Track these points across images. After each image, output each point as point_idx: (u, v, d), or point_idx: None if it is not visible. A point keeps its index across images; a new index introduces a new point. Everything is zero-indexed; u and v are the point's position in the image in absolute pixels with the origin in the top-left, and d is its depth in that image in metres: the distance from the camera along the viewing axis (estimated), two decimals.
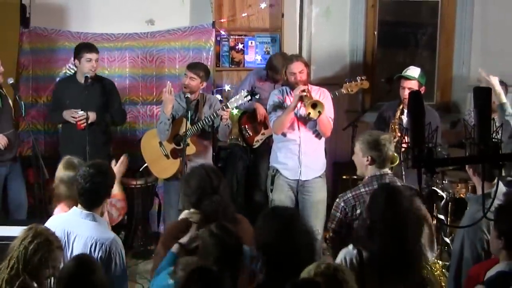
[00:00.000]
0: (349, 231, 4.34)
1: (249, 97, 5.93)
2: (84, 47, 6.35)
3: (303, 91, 5.59)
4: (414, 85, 5.97)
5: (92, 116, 6.21)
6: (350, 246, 3.78)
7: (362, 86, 6.43)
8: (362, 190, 4.46)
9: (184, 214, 4.30)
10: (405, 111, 6.00)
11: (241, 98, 5.90)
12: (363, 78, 6.40)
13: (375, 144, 4.46)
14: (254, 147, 6.78)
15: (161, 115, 6.14)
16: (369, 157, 4.48)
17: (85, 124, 6.10)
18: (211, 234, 3.62)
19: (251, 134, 6.82)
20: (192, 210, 4.24)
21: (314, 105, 5.55)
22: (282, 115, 5.76)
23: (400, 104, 6.03)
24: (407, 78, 6.01)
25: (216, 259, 3.51)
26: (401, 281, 3.65)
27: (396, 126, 5.93)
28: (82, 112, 6.14)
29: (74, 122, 6.18)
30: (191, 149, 5.99)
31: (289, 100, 5.82)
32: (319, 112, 5.52)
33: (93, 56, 6.28)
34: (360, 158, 4.54)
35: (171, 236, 4.18)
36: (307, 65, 5.94)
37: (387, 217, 3.65)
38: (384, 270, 3.63)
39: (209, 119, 5.98)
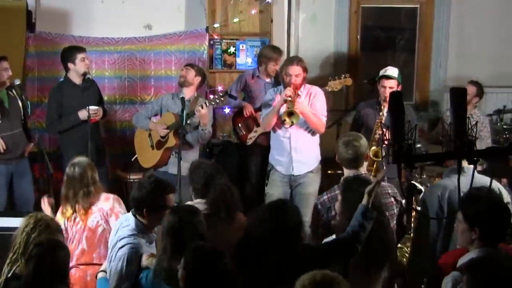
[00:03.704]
0: (326, 231, 4.15)
1: (225, 96, 5.94)
2: (74, 49, 6.25)
3: (289, 96, 5.55)
4: (394, 83, 5.97)
5: (101, 110, 6.20)
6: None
7: (345, 83, 6.42)
8: (337, 192, 4.17)
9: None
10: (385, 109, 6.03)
11: (218, 97, 5.85)
12: (346, 75, 6.39)
13: (344, 147, 4.31)
14: (248, 144, 6.76)
15: (143, 122, 6.20)
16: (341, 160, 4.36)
17: (99, 117, 6.14)
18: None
19: (244, 133, 6.80)
20: (197, 200, 4.19)
21: (291, 113, 5.53)
22: (268, 114, 5.77)
23: (381, 102, 6.03)
24: (388, 77, 6.01)
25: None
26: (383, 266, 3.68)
27: (380, 123, 5.94)
28: (94, 107, 6.06)
29: (89, 119, 5.99)
30: (171, 142, 5.96)
31: (278, 99, 5.80)
32: (293, 122, 5.52)
33: (85, 55, 6.21)
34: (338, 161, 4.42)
35: None
36: (306, 70, 5.79)
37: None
38: (369, 258, 3.66)
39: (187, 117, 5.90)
